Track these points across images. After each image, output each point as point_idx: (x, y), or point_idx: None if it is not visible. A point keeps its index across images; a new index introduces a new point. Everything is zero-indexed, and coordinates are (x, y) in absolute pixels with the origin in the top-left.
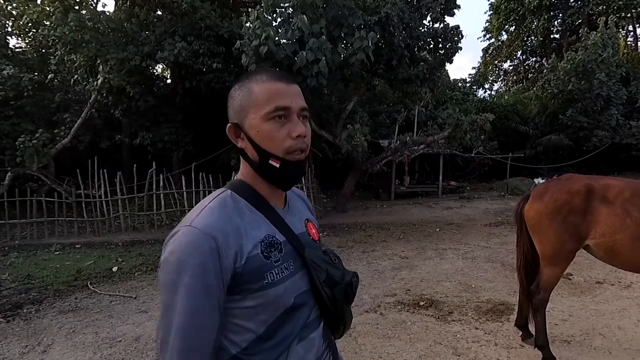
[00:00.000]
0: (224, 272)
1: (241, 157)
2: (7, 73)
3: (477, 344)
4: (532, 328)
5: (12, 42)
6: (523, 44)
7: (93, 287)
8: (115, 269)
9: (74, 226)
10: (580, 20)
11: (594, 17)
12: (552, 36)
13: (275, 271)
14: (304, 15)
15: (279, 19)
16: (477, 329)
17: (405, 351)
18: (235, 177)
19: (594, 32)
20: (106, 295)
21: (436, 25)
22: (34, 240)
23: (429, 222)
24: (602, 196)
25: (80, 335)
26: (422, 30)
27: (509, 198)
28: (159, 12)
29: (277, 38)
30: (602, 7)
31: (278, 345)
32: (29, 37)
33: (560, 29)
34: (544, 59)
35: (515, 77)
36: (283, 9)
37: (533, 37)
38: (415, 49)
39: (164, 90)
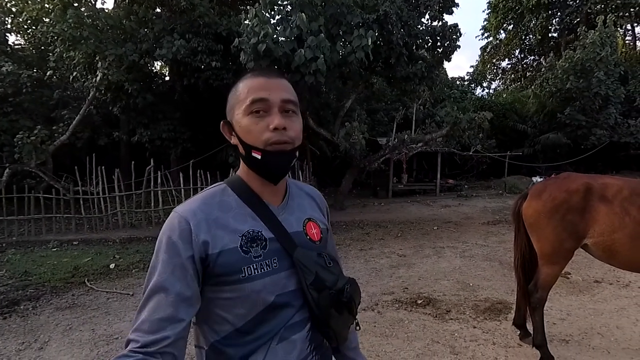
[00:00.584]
0: (195, 253)
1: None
2: (6, 70)
3: (474, 342)
4: (530, 327)
5: (12, 39)
6: (521, 42)
7: (90, 284)
8: (112, 266)
9: (72, 223)
10: (578, 19)
11: (593, 15)
12: (550, 35)
13: (253, 266)
14: (303, 13)
15: (277, 17)
16: (474, 327)
17: (403, 350)
18: (234, 174)
19: (593, 31)
20: (103, 292)
21: (434, 23)
22: (32, 236)
23: (426, 220)
24: (600, 195)
25: (77, 332)
26: (421, 29)
27: (507, 196)
28: (158, 10)
29: (275, 36)
30: (601, 6)
31: (255, 340)
32: (28, 34)
33: (558, 27)
34: (542, 57)
35: (513, 76)
36: (282, 7)
37: (531, 36)
38: (414, 47)
39: (162, 87)
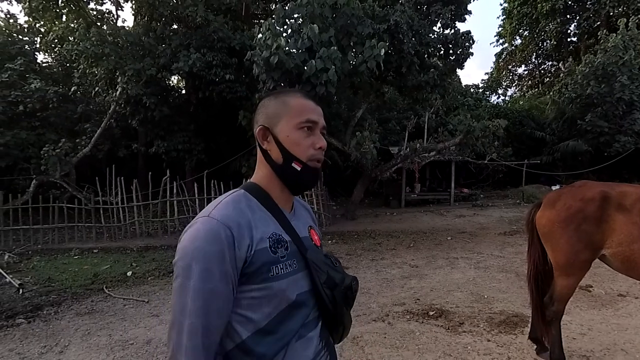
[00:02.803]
0: (237, 260)
1: (260, 160)
2: (34, 86)
3: (489, 356)
4: (547, 341)
5: (40, 57)
6: (538, 48)
7: (108, 290)
8: (129, 273)
9: (92, 231)
10: (598, 23)
11: (614, 18)
12: (568, 39)
13: (280, 265)
14: (314, 25)
15: (289, 30)
16: (489, 341)
17: None
18: (248, 181)
19: (614, 34)
20: (120, 299)
21: (446, 31)
22: (55, 244)
23: (440, 230)
24: (618, 204)
25: (95, 337)
26: (432, 37)
27: (525, 206)
28: (175, 26)
29: (287, 48)
30: (622, 8)
31: (279, 340)
32: (55, 52)
33: (577, 32)
34: (561, 62)
35: (530, 82)
36: (293, 20)
37: (548, 41)
38: (425, 55)
39: (178, 100)
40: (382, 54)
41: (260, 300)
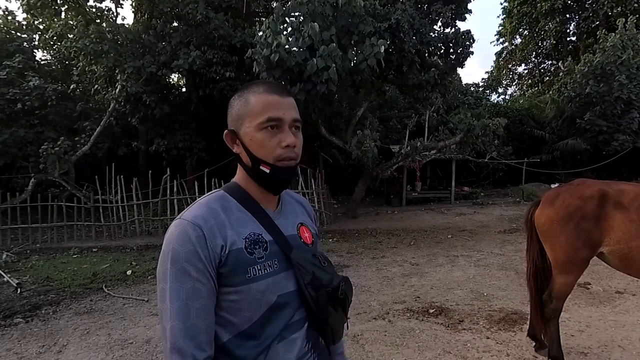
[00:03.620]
0: (212, 258)
1: (238, 162)
2: (33, 84)
3: (488, 354)
4: (546, 338)
5: (39, 55)
6: (537, 47)
7: (108, 289)
8: (129, 272)
9: (92, 230)
10: (597, 22)
11: (612, 18)
12: (568, 39)
13: (257, 267)
14: (315, 23)
15: (289, 28)
16: (488, 338)
17: (413, 359)
18: (231, 180)
19: (613, 34)
20: (120, 298)
21: (447, 30)
22: (54, 243)
23: (440, 228)
24: (616, 202)
25: (94, 336)
26: (433, 36)
27: (525, 204)
28: (175, 24)
29: (287, 46)
30: (620, 9)
31: (260, 343)
32: (54, 49)
33: (576, 31)
34: (560, 62)
35: (530, 81)
36: (294, 18)
37: (547, 40)
38: (426, 54)
39: (178, 98)
40: (382, 51)
41: (239, 304)
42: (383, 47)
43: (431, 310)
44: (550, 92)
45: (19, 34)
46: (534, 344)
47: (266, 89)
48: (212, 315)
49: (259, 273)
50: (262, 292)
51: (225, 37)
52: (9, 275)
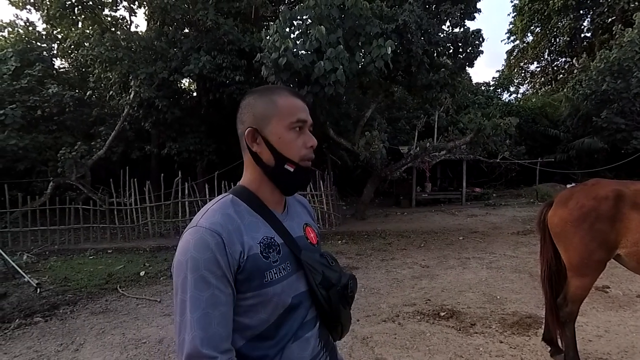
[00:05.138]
0: (231, 265)
1: (249, 162)
2: (52, 91)
3: (501, 358)
4: (562, 343)
5: (57, 63)
6: (550, 44)
7: (122, 290)
8: (142, 273)
9: (107, 232)
10: (613, 17)
11: (629, 13)
12: (582, 35)
13: (273, 271)
14: (322, 26)
15: (297, 31)
16: (501, 342)
17: None
18: (238, 184)
19: (630, 29)
20: (133, 298)
21: (456, 30)
22: (71, 245)
23: (451, 230)
24: (633, 202)
25: (109, 335)
26: (442, 36)
27: (539, 205)
28: (186, 30)
29: (295, 49)
30: (637, 3)
31: (276, 344)
32: (71, 57)
33: (590, 27)
34: (574, 58)
35: (543, 79)
36: (301, 21)
37: (560, 37)
38: (435, 54)
39: (189, 102)
40: (389, 52)
41: (256, 307)
42: (390, 48)
43: (442, 313)
44: (565, 90)
45: (39, 43)
46: (549, 348)
47: (290, 93)
48: (231, 322)
49: (275, 277)
50: (278, 295)
51: (234, 41)
52: (29, 276)
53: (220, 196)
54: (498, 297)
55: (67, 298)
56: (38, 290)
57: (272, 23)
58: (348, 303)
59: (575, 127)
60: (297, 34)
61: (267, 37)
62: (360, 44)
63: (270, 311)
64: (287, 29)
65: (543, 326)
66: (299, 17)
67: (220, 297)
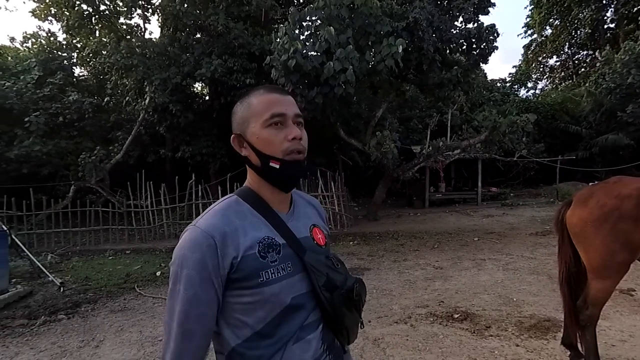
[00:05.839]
0: (220, 268)
1: (247, 165)
2: (72, 98)
3: None
4: (582, 347)
5: (77, 71)
6: (570, 37)
7: (139, 289)
8: (158, 273)
9: (125, 234)
10: (639, 7)
11: None
12: (605, 26)
13: (270, 270)
14: (331, 27)
15: (306, 33)
16: (517, 345)
17: None
18: (243, 185)
19: None
20: (150, 297)
21: (469, 25)
22: (92, 246)
23: (466, 230)
24: None
25: (127, 333)
26: (454, 32)
27: (559, 205)
28: (198, 35)
29: (304, 51)
30: None
31: (275, 343)
32: (90, 65)
33: (614, 17)
34: (597, 51)
35: (563, 74)
36: (310, 23)
37: (581, 29)
38: (447, 51)
39: (202, 106)
40: (399, 51)
41: (253, 305)
42: (401, 46)
43: (456, 315)
44: (587, 84)
45: (59, 53)
46: (568, 353)
47: (266, 90)
48: (210, 322)
49: (272, 277)
50: (275, 295)
51: (244, 45)
52: (53, 275)
53: (225, 197)
54: (515, 299)
55: (88, 297)
56: (61, 289)
57: (281, 25)
58: (354, 306)
59: (598, 122)
60: (306, 36)
61: (277, 40)
62: (370, 43)
63: (268, 310)
64: (297, 31)
65: (562, 329)
66: (308, 19)
67: (201, 298)
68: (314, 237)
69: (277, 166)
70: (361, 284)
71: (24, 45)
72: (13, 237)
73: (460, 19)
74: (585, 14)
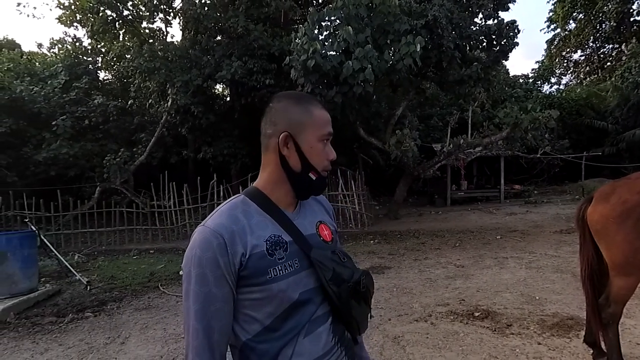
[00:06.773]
0: (231, 264)
1: (268, 163)
2: (97, 102)
3: None
4: (605, 346)
5: (102, 75)
6: (595, 30)
7: (163, 288)
8: (181, 272)
9: (149, 234)
10: None
11: None
12: (631, 19)
13: (278, 267)
14: (349, 27)
15: (325, 33)
16: (539, 344)
17: None
18: (251, 185)
19: None
20: (173, 295)
21: (489, 22)
22: (117, 245)
23: (488, 229)
24: None
25: (152, 330)
26: (474, 29)
27: (580, 201)
28: (218, 37)
29: (323, 51)
30: None
31: (284, 336)
32: (114, 69)
33: None
34: (623, 44)
35: (587, 68)
36: (329, 23)
37: (607, 23)
38: (467, 48)
39: (223, 107)
40: (418, 49)
41: (262, 301)
42: (420, 45)
43: (477, 314)
44: (613, 79)
45: (85, 57)
46: (591, 351)
47: (322, 105)
48: (227, 317)
49: (279, 273)
50: (283, 291)
51: (264, 46)
52: (80, 275)
53: (232, 197)
54: (537, 297)
55: (113, 295)
56: (88, 287)
57: (300, 26)
58: (362, 298)
59: (625, 117)
60: (325, 36)
61: (296, 40)
62: (389, 41)
63: (276, 305)
64: (316, 31)
65: (585, 328)
66: (327, 19)
67: (216, 295)
68: (320, 233)
69: (314, 178)
70: (368, 276)
71: (51, 51)
72: (42, 237)
73: (480, 15)
74: (610, 6)
